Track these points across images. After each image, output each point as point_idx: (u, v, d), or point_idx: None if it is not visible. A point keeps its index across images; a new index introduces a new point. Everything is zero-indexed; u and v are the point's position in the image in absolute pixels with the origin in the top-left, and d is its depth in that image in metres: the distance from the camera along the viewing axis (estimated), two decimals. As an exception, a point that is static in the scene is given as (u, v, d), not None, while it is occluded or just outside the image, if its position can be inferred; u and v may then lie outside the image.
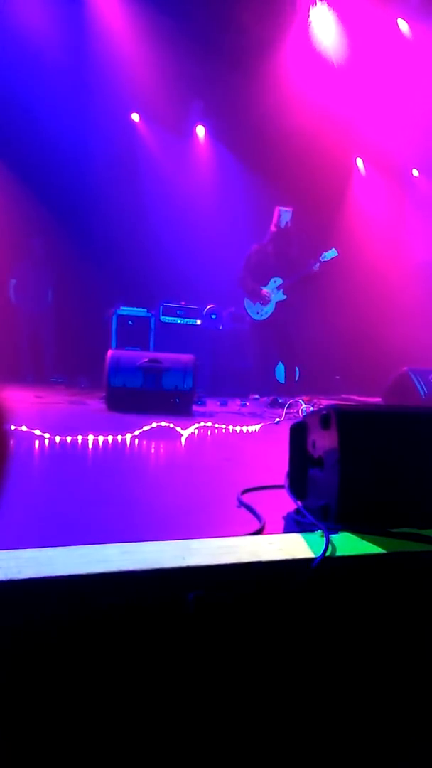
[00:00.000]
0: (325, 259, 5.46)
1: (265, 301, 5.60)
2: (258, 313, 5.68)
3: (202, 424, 3.06)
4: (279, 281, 5.60)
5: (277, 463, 1.81)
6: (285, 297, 5.62)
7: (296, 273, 5.57)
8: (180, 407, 3.76)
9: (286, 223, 5.62)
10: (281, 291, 5.60)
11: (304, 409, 3.98)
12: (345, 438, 1.18)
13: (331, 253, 5.46)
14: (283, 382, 6.02)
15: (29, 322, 6.78)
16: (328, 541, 1.04)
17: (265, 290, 5.59)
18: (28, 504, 1.36)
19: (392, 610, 1.02)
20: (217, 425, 3.12)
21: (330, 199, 7.51)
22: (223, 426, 3.11)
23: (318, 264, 5.47)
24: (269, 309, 5.63)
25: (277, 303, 5.62)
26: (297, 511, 1.32)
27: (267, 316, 5.66)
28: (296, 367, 6.00)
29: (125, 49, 6.49)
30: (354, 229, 7.22)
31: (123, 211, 7.06)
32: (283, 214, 5.63)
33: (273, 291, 5.60)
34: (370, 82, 6.90)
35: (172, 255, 7.12)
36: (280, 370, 6.49)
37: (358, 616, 1.00)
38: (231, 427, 3.08)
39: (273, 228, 5.67)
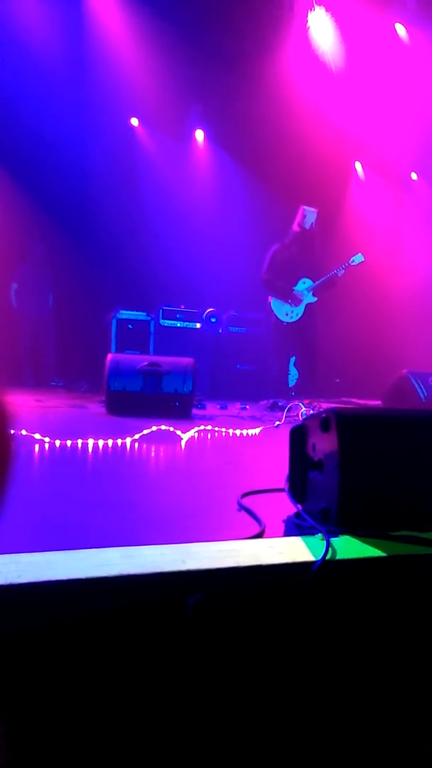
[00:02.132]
0: (353, 264, 5.27)
1: (297, 302, 5.38)
2: (287, 314, 5.42)
3: (202, 427, 3.07)
4: (309, 283, 5.39)
5: (277, 467, 1.81)
6: (315, 299, 5.40)
7: (322, 276, 5.37)
8: (180, 411, 3.76)
9: (312, 224, 5.41)
10: (311, 293, 5.39)
11: (304, 412, 3.98)
12: (345, 441, 1.18)
13: (358, 258, 5.27)
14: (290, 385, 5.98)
15: (30, 325, 6.79)
16: (328, 545, 1.04)
17: (296, 291, 5.36)
18: (28, 508, 1.36)
19: (393, 613, 1.02)
20: (217, 428, 3.12)
21: (329, 203, 7.52)
22: (223, 429, 3.11)
23: (344, 268, 5.29)
24: (299, 311, 5.39)
25: (306, 305, 5.40)
26: (297, 514, 1.32)
27: (297, 318, 5.40)
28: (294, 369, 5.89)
29: (124, 54, 6.52)
30: (353, 233, 7.23)
31: (123, 215, 7.08)
32: (309, 214, 5.41)
33: (304, 292, 5.38)
34: (368, 87, 6.92)
35: (171, 259, 7.14)
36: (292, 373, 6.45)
37: (359, 620, 1.00)
38: (231, 431, 3.08)
39: (296, 228, 5.45)
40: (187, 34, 6.22)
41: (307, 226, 5.40)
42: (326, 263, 5.45)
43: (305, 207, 5.45)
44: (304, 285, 5.40)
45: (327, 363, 7.05)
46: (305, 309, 5.40)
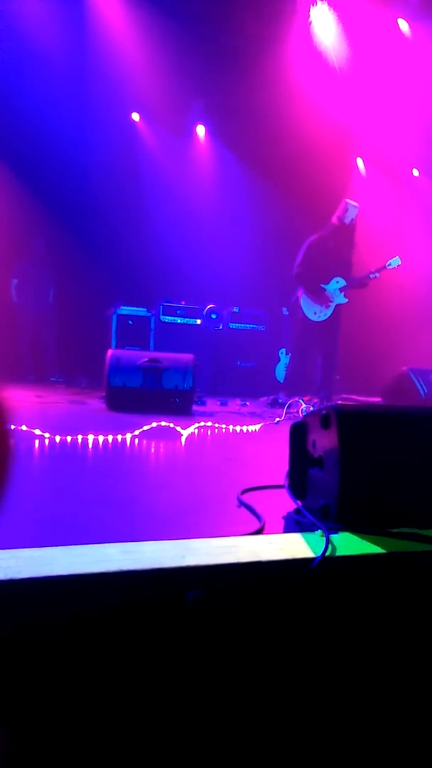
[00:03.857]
0: (390, 267, 5.11)
1: (328, 304, 5.22)
2: (315, 313, 5.25)
3: (202, 423, 3.07)
4: (342, 282, 5.19)
5: (277, 463, 1.81)
6: (346, 300, 5.24)
7: (355, 276, 5.20)
8: (180, 407, 3.76)
9: (352, 219, 5.18)
10: (342, 294, 5.21)
11: (304, 408, 3.98)
12: (345, 438, 1.18)
13: (395, 261, 5.10)
14: (282, 381, 5.95)
15: (30, 321, 6.79)
16: (327, 541, 1.04)
17: (328, 291, 5.19)
18: (27, 503, 1.36)
19: (392, 610, 1.02)
20: (217, 425, 3.12)
21: (330, 199, 7.50)
22: (223, 426, 3.11)
23: (380, 272, 5.12)
24: (329, 311, 5.23)
25: (335, 306, 5.24)
26: (297, 510, 1.32)
27: (326, 318, 5.24)
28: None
29: (125, 49, 6.49)
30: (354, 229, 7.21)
31: (123, 210, 7.07)
32: (351, 209, 5.17)
33: (335, 293, 5.21)
34: (370, 82, 6.89)
35: (172, 254, 7.13)
36: (280, 369, 6.45)
37: (358, 616, 1.00)
38: (231, 427, 3.08)
39: (335, 221, 5.23)
40: (188, 28, 6.20)
41: (347, 221, 5.19)
42: (363, 264, 5.30)
43: (348, 201, 5.26)
44: (336, 285, 5.21)
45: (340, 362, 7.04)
46: (334, 309, 5.26)
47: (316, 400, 4.69)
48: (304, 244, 5.30)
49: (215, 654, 0.90)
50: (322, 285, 5.21)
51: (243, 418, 3.68)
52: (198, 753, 0.89)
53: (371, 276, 5.17)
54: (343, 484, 1.16)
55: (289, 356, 5.92)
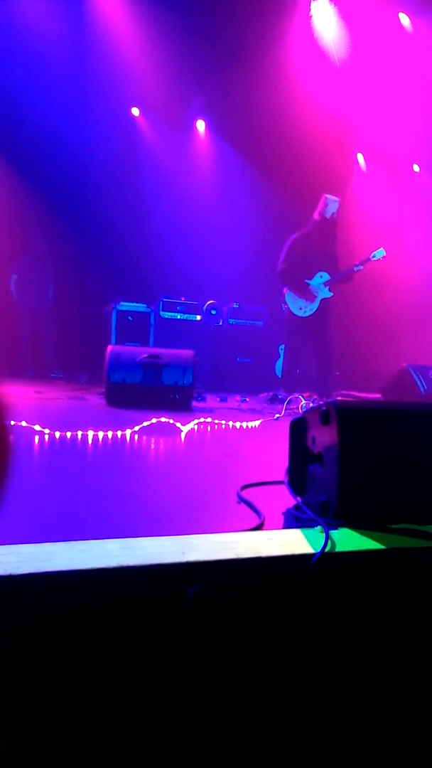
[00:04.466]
0: (374, 259, 5.09)
1: (312, 298, 5.23)
2: (301, 308, 5.28)
3: (201, 419, 3.07)
4: (326, 277, 5.22)
5: (276, 459, 1.81)
6: (331, 294, 5.25)
7: (341, 270, 5.23)
8: (180, 403, 3.76)
9: (333, 213, 5.22)
10: (327, 288, 5.23)
11: (304, 405, 3.98)
12: (345, 434, 1.18)
13: (379, 253, 5.08)
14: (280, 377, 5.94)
15: (30, 317, 6.78)
16: (327, 537, 1.04)
17: (312, 286, 5.22)
18: (27, 499, 1.36)
19: (391, 605, 1.03)
20: (216, 421, 3.12)
21: (330, 194, 7.50)
22: (223, 422, 3.11)
23: (363, 264, 5.12)
24: (314, 306, 5.25)
25: (321, 300, 5.25)
26: (297, 506, 1.32)
27: (311, 313, 5.25)
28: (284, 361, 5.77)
29: (125, 44, 6.46)
30: (353, 225, 7.20)
31: (123, 206, 7.05)
32: (331, 203, 5.21)
33: (320, 287, 5.23)
34: (371, 77, 6.87)
35: (172, 250, 7.12)
36: (280, 365, 6.44)
37: (358, 612, 1.00)
38: (231, 423, 3.08)
39: (317, 217, 5.26)
40: (189, 23, 6.17)
41: (328, 215, 5.21)
42: (342, 256, 5.30)
43: (327, 195, 5.26)
44: (320, 279, 5.24)
45: (335, 357, 7.04)
46: (320, 303, 5.28)
47: (315, 397, 4.69)
48: (286, 243, 5.36)
49: (215, 650, 0.90)
50: (306, 280, 5.24)
51: (243, 414, 3.68)
52: (197, 749, 0.89)
53: (355, 269, 5.18)
54: (343, 480, 1.16)
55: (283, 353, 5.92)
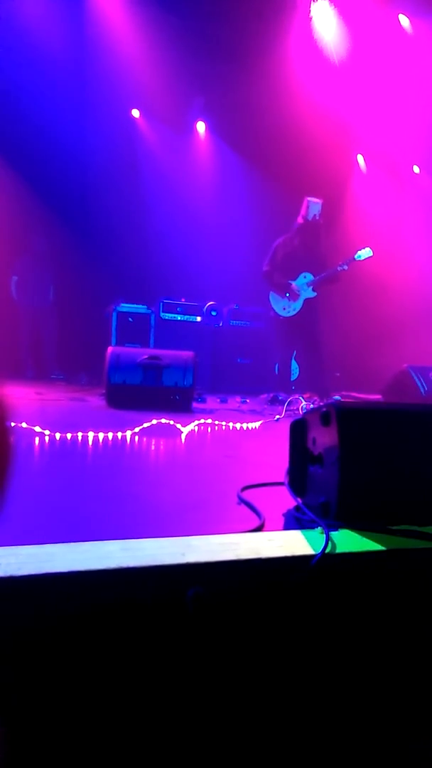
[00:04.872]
0: (359, 259, 5.11)
1: (295, 297, 5.28)
2: (284, 309, 5.35)
3: (202, 421, 3.06)
4: (309, 277, 5.27)
5: (277, 460, 1.81)
6: (315, 294, 5.30)
7: (325, 270, 5.26)
8: (180, 404, 3.76)
9: (315, 215, 5.27)
10: (311, 288, 5.28)
11: (304, 406, 3.98)
12: (345, 435, 1.18)
13: (365, 253, 5.10)
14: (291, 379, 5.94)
15: (30, 318, 6.79)
16: (327, 538, 1.04)
17: (294, 285, 5.27)
18: (28, 501, 1.36)
19: (392, 607, 1.02)
20: (217, 422, 3.12)
21: (330, 196, 7.50)
22: (223, 423, 3.11)
23: (348, 264, 5.14)
24: (297, 305, 5.29)
25: (305, 300, 5.29)
26: (297, 508, 1.32)
27: (294, 312, 5.30)
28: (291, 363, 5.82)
29: (125, 45, 6.47)
30: (354, 226, 7.21)
31: (123, 207, 7.06)
32: (312, 205, 5.28)
33: (303, 287, 5.28)
34: (371, 79, 6.87)
35: (172, 252, 7.12)
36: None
37: (358, 613, 1.00)
38: (231, 424, 3.08)
39: (300, 220, 5.33)
40: (189, 25, 6.18)
41: (310, 217, 5.29)
42: (330, 256, 5.34)
43: (309, 198, 5.34)
44: (304, 279, 5.30)
45: (327, 357, 7.05)
46: (304, 303, 5.31)
47: (316, 398, 4.69)
48: (271, 247, 5.44)
49: (215, 651, 0.90)
50: (289, 281, 5.30)
51: (243, 416, 3.68)
52: (198, 750, 0.89)
53: (339, 268, 5.19)
54: (343, 481, 1.16)
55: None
